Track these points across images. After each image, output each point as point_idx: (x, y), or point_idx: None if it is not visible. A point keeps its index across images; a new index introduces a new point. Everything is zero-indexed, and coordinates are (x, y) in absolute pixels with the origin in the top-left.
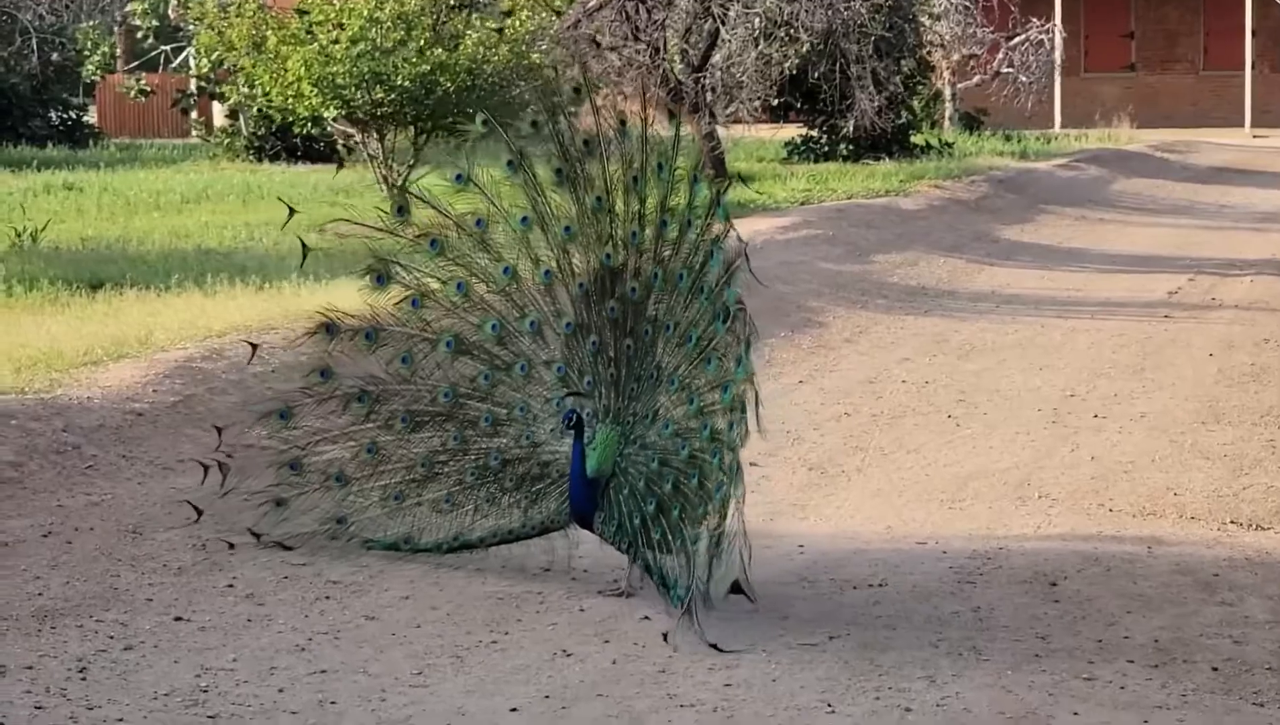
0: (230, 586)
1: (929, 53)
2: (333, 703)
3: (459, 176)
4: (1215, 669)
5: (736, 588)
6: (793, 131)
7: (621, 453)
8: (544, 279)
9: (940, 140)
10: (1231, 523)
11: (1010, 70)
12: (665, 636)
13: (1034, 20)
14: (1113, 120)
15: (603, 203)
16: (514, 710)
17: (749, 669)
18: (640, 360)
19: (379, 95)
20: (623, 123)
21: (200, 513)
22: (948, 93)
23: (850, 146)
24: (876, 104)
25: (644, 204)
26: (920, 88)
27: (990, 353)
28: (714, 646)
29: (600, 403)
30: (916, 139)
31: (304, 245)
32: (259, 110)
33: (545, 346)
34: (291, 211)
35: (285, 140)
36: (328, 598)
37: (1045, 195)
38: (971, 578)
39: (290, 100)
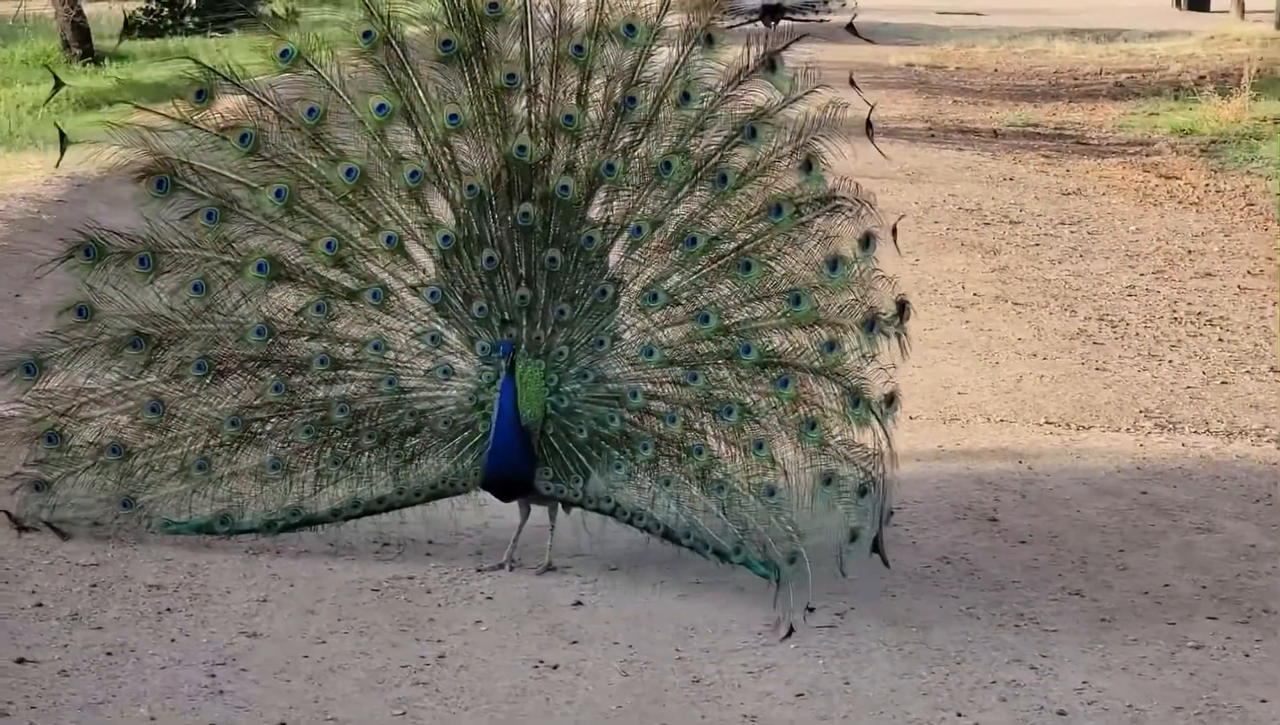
0: (40, 605)
1: None
2: None
3: (285, 52)
4: None
5: (875, 546)
6: (134, 5)
7: (557, 390)
8: (410, 182)
9: (288, 9)
10: (1047, 422)
11: None
12: (790, 630)
13: None
14: None
15: (517, 80)
16: None
17: (794, 669)
18: (574, 276)
19: None
20: None
21: None
22: None
23: (196, 20)
24: None
25: (589, 79)
26: None
27: None
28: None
29: (501, 335)
30: (264, 8)
31: (62, 135)
32: None
33: (411, 267)
34: (59, 84)
35: None
36: (169, 610)
37: None
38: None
39: None
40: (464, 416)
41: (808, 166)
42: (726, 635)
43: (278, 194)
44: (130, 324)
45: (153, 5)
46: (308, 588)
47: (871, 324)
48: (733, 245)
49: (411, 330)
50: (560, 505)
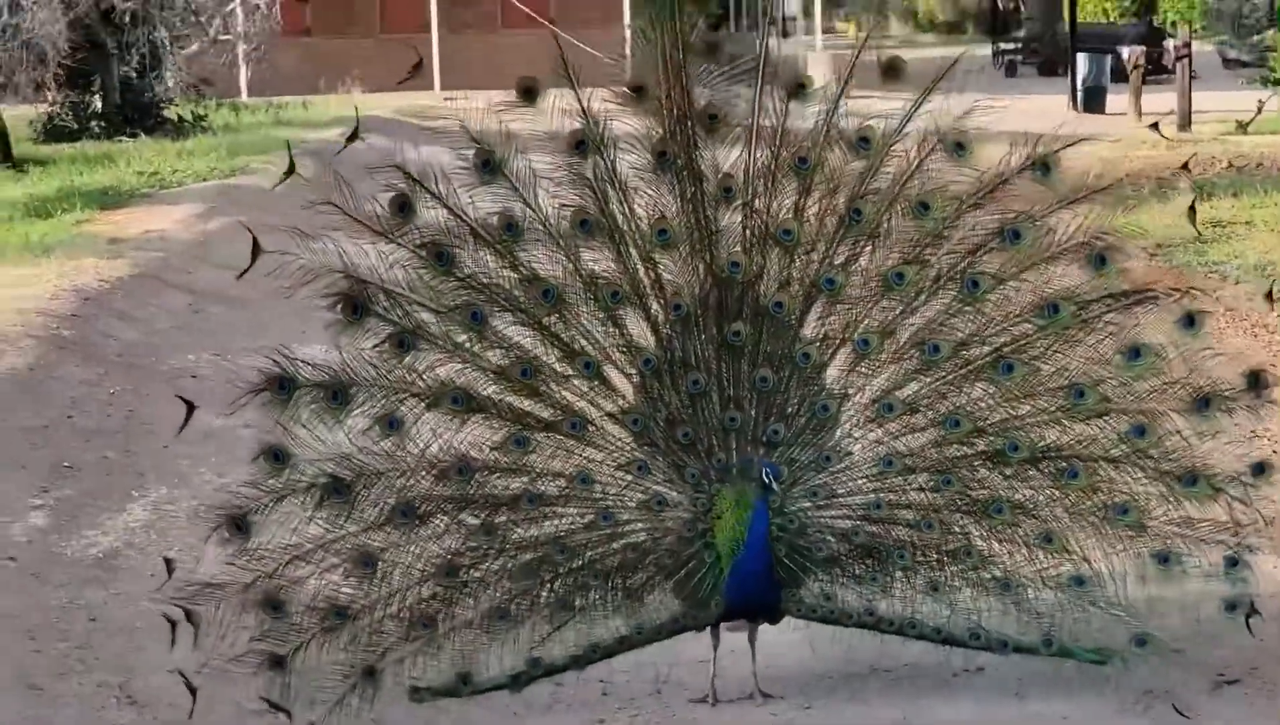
0: None
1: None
2: None
3: (485, 163)
4: None
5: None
6: (33, 111)
7: (781, 512)
8: (610, 302)
9: (193, 114)
10: None
11: (229, 37)
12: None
13: None
14: (298, 87)
15: (734, 193)
16: None
17: None
18: (787, 394)
19: None
20: (801, 86)
21: (195, 691)
22: (169, 62)
23: (103, 124)
24: (127, 72)
25: (808, 193)
26: (170, 59)
27: None
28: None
29: (709, 461)
30: (169, 113)
31: (256, 242)
32: None
33: (610, 393)
34: (291, 168)
35: None
36: None
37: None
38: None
39: None
40: (686, 548)
41: (1100, 261)
42: None
43: (474, 317)
44: (325, 467)
45: (57, 110)
46: None
47: (1206, 402)
48: (987, 348)
49: (615, 461)
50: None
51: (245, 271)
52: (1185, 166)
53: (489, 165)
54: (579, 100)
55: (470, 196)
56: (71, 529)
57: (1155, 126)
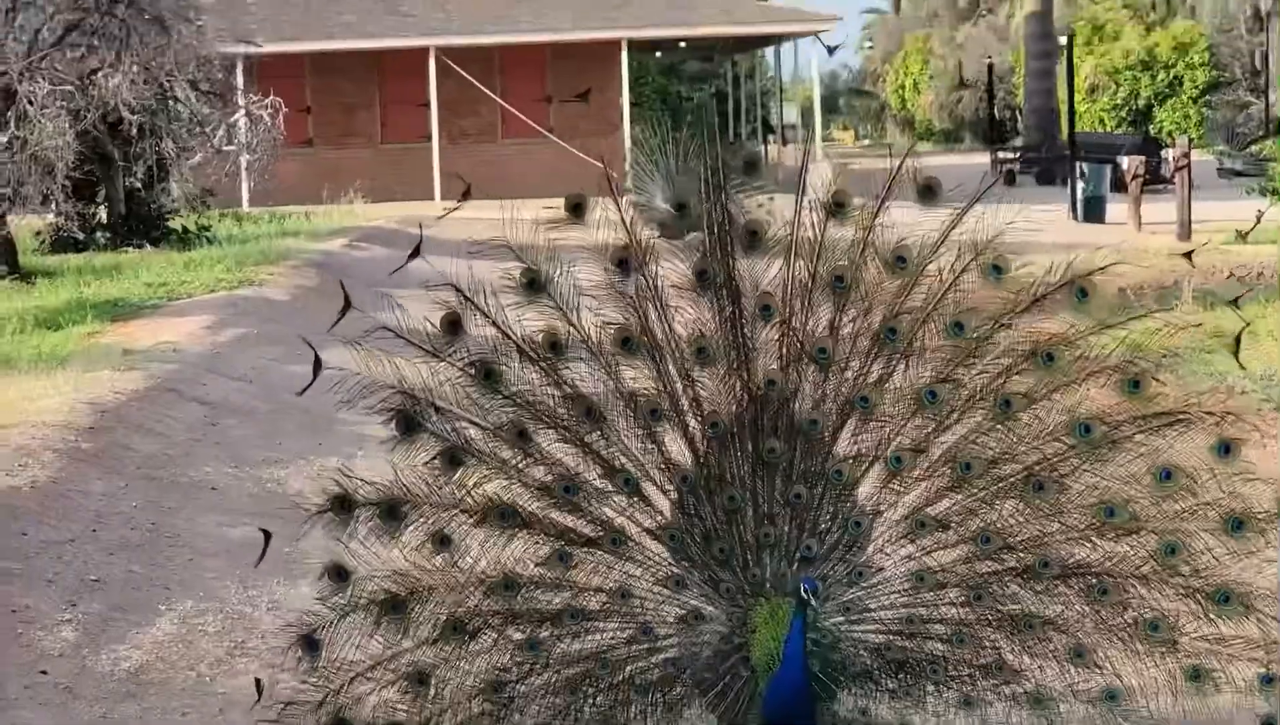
0: None
1: (187, 132)
2: None
3: (531, 282)
4: None
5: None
6: (40, 222)
7: (814, 626)
8: (650, 420)
9: (198, 225)
10: None
11: (232, 147)
12: None
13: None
14: (300, 197)
15: (771, 312)
16: None
17: None
18: (820, 511)
19: None
20: (840, 205)
21: None
22: (175, 173)
23: (109, 235)
24: (133, 183)
25: (844, 311)
26: (175, 170)
27: None
28: None
29: (744, 576)
30: (174, 224)
31: (317, 358)
32: None
33: (648, 510)
34: (347, 303)
35: None
36: None
37: (372, 278)
38: None
39: None
40: (723, 662)
41: (1134, 385)
42: None
43: (519, 434)
44: (383, 585)
45: (63, 221)
46: None
47: (1239, 524)
48: (1018, 466)
49: (653, 576)
50: None
51: (306, 388)
52: (1235, 303)
53: (534, 285)
54: (623, 219)
55: (518, 316)
56: (101, 643)
57: (1188, 256)
